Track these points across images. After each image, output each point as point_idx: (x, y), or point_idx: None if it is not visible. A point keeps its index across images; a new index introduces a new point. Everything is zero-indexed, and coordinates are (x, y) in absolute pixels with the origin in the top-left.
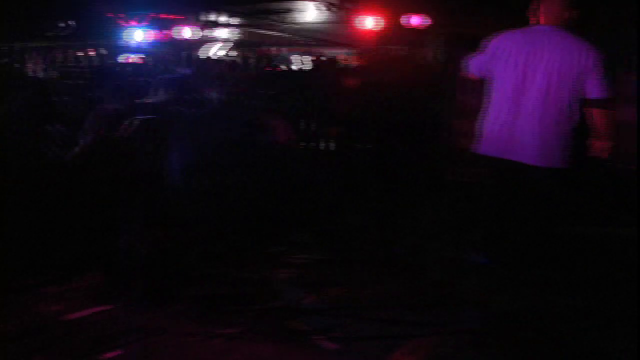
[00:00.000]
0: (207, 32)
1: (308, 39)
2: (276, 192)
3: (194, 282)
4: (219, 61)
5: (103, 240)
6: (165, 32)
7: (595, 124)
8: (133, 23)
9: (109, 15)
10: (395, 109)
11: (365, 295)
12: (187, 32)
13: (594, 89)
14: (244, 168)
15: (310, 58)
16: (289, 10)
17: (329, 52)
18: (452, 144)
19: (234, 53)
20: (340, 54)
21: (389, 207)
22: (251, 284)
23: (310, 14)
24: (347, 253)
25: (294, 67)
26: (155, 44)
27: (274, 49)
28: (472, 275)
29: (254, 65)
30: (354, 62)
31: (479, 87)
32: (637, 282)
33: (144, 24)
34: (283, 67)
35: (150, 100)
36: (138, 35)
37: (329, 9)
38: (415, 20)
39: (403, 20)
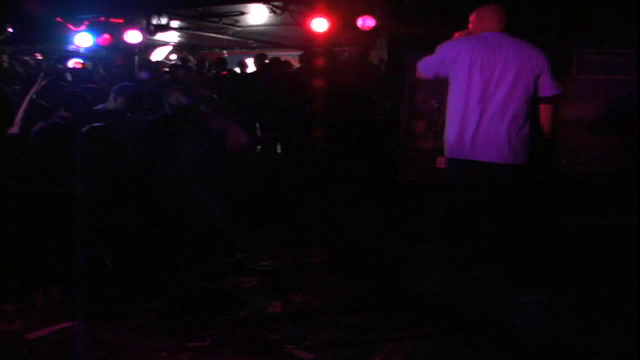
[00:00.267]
0: (156, 36)
1: (257, 41)
2: (234, 198)
3: (157, 294)
4: (170, 65)
5: (59, 256)
6: (113, 36)
7: (543, 120)
8: (81, 28)
9: (57, 19)
10: (347, 110)
11: (331, 300)
12: (135, 36)
13: (546, 88)
14: (201, 175)
15: (259, 60)
16: (237, 13)
17: (278, 54)
18: (406, 145)
19: (183, 57)
20: (290, 56)
21: (343, 209)
22: (216, 294)
23: (258, 16)
24: (308, 257)
25: (246, 70)
26: (103, 48)
27: (224, 52)
28: (434, 275)
29: (205, 69)
30: (303, 64)
31: (430, 88)
32: (637, 280)
33: (91, 28)
34: (235, 70)
35: (102, 108)
36: (85, 39)
37: (272, 12)
38: (362, 22)
39: (351, 21)
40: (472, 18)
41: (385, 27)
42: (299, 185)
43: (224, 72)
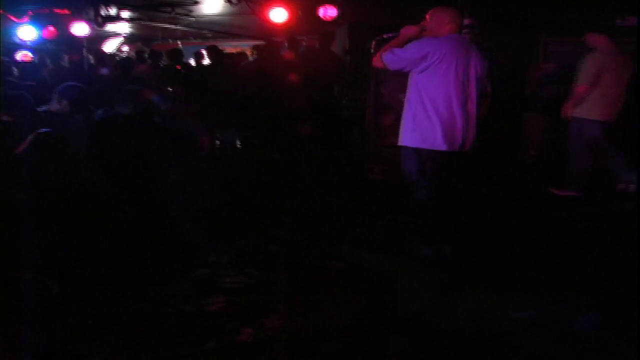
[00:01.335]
0: (105, 27)
1: (212, 32)
2: (196, 205)
3: (112, 325)
4: (124, 59)
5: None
6: (58, 28)
7: (484, 112)
8: (24, 19)
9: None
10: (310, 103)
11: (307, 322)
12: (82, 29)
13: (487, 86)
14: (159, 182)
15: (212, 53)
16: (191, 3)
17: (236, 44)
18: (372, 141)
19: (140, 49)
20: (245, 46)
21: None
22: (178, 321)
23: (213, 6)
24: (278, 272)
25: (202, 62)
26: (49, 41)
27: (178, 43)
28: (422, 289)
29: (160, 62)
30: (261, 55)
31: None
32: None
33: (35, 20)
34: (189, 63)
35: (46, 110)
36: (29, 32)
37: (228, 2)
38: (323, 12)
39: (312, 11)
40: (435, 18)
41: (346, 16)
42: (259, 185)
43: (178, 67)
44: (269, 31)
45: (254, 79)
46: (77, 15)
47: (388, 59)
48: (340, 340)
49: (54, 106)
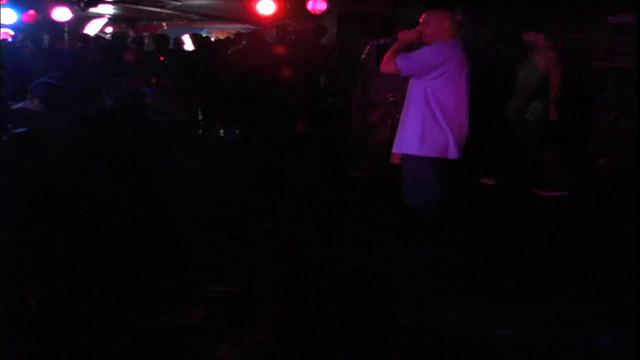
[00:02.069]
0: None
1: (198, 15)
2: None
3: (85, 342)
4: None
5: None
6: (38, 12)
7: None
8: (3, 2)
9: None
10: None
11: (293, 336)
12: (64, 14)
13: None
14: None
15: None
16: None
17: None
18: (358, 137)
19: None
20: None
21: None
22: (154, 335)
23: None
24: (260, 278)
25: (183, 48)
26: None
27: (163, 24)
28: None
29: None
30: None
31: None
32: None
33: (15, 2)
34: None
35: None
36: (9, 15)
37: None
38: (312, 5)
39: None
40: (432, 22)
41: (334, 6)
42: (242, 178)
43: (162, 57)
44: (255, 16)
45: (240, 68)
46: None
47: (402, 64)
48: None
49: (28, 104)
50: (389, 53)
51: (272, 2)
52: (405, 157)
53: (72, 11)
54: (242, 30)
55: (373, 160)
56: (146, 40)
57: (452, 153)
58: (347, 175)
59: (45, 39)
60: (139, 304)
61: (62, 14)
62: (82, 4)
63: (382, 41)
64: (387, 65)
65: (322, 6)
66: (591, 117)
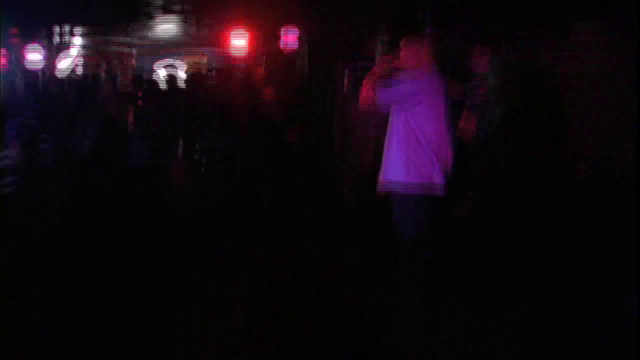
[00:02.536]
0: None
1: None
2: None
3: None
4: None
5: None
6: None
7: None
8: None
9: None
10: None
11: None
12: (38, 57)
13: None
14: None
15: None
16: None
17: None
18: (341, 162)
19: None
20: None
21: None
22: None
23: (169, 21)
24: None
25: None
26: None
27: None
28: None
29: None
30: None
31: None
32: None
33: None
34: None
35: None
36: None
37: (186, 23)
38: (284, 43)
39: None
40: (410, 49)
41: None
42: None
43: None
44: (225, 43)
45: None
46: (30, 37)
47: (381, 96)
48: None
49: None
50: (366, 80)
51: (245, 34)
52: (392, 194)
53: (45, 50)
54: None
55: (356, 184)
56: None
57: (438, 178)
58: (330, 200)
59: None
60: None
61: (35, 57)
62: (54, 42)
63: (360, 63)
64: (366, 99)
65: (293, 45)
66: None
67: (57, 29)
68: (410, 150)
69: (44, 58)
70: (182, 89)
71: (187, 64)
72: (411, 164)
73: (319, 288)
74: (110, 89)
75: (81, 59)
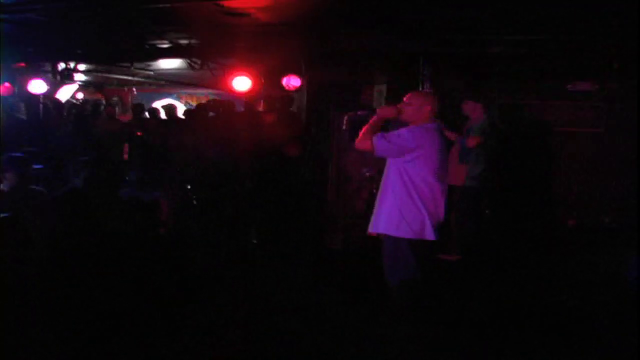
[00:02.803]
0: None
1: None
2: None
3: None
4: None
5: None
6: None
7: None
8: None
9: None
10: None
11: None
12: (40, 86)
13: None
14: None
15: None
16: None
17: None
18: (333, 210)
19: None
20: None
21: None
22: None
23: (172, 62)
24: None
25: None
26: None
27: (133, 89)
28: None
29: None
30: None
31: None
32: None
33: None
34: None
35: None
36: None
37: (190, 67)
38: (287, 82)
39: (274, 79)
40: (413, 102)
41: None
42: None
43: (139, 133)
44: (225, 85)
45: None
46: (34, 70)
47: (377, 143)
48: None
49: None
50: (365, 129)
51: (247, 80)
52: (384, 238)
53: (48, 83)
54: (213, 97)
55: (348, 233)
56: (117, 109)
57: (429, 234)
58: (322, 248)
59: (21, 106)
60: None
61: (38, 86)
62: (58, 77)
63: (359, 113)
64: (363, 143)
65: (296, 82)
66: (556, 180)
67: (61, 64)
68: (404, 205)
69: (46, 92)
70: (181, 119)
71: (185, 104)
72: (403, 220)
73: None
74: (108, 122)
75: (81, 93)
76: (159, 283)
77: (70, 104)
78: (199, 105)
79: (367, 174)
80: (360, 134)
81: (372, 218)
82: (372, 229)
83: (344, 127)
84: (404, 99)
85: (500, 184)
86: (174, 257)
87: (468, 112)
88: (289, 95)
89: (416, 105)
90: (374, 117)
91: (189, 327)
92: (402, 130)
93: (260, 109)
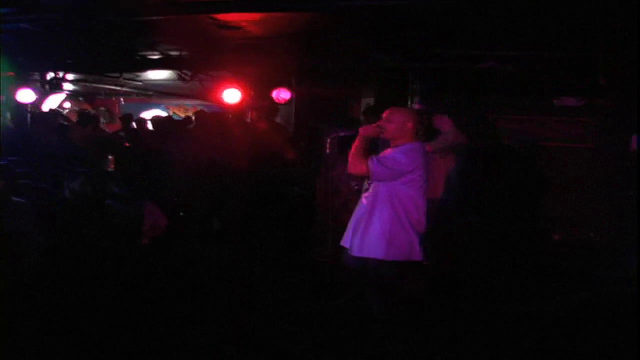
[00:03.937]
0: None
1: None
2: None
3: None
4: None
5: None
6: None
7: None
8: None
9: None
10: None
11: None
12: (28, 95)
13: None
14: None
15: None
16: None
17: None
18: (322, 223)
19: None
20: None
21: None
22: None
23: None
24: None
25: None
26: None
27: (120, 99)
28: None
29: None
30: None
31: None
32: None
33: None
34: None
35: None
36: None
37: (181, 79)
38: (276, 94)
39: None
40: (394, 119)
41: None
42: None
43: (127, 144)
44: (215, 95)
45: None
46: (23, 79)
47: (375, 169)
48: None
49: None
50: (353, 152)
51: (237, 92)
52: (371, 261)
53: (36, 92)
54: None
55: (337, 246)
56: (102, 119)
57: (417, 255)
58: (311, 263)
59: (7, 115)
60: None
61: (26, 95)
62: (46, 86)
63: (341, 133)
64: (358, 167)
65: (286, 95)
66: (543, 195)
67: (50, 74)
68: (393, 228)
69: (34, 101)
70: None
71: (173, 115)
72: (393, 241)
73: None
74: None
75: (69, 102)
76: (142, 296)
77: (57, 113)
78: (196, 114)
79: (356, 187)
80: (350, 157)
81: (357, 240)
82: (357, 252)
83: (327, 150)
84: (383, 115)
85: (487, 198)
86: (156, 270)
87: (438, 125)
88: (274, 105)
89: (398, 122)
90: (358, 138)
91: (173, 340)
92: (397, 154)
93: (248, 120)
